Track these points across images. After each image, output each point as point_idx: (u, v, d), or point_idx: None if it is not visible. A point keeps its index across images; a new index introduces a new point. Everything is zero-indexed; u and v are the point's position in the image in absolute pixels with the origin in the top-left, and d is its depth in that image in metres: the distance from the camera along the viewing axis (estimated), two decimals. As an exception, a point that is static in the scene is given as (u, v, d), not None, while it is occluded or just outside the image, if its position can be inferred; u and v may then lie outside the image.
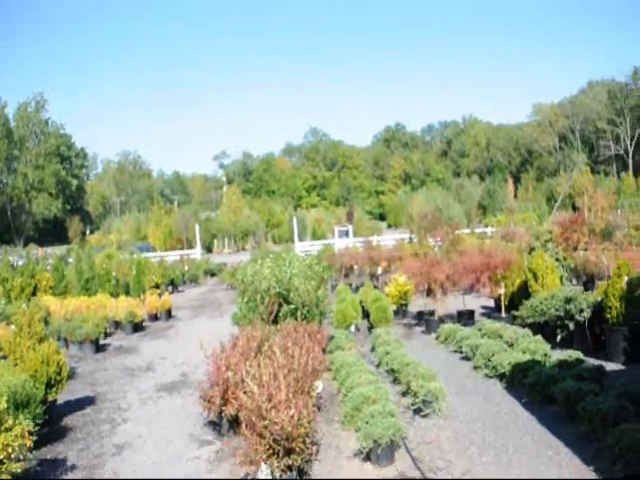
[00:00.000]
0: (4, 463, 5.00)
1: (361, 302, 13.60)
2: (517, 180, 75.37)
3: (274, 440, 4.88)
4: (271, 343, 7.81)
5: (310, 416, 5.28)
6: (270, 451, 4.94)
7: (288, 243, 42.22)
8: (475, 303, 14.31)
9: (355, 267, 22.65)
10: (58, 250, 34.92)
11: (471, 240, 25.65)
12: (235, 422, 6.68)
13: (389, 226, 76.26)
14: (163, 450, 6.49)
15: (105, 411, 8.05)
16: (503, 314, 12.03)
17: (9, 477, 4.99)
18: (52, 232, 76.48)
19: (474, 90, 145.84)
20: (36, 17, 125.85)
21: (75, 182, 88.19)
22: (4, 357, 9.10)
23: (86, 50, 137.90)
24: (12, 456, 5.06)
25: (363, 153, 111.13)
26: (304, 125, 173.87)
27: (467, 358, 9.41)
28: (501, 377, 8.17)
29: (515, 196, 66.05)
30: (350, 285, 20.02)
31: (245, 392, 5.33)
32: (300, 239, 42.93)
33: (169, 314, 15.94)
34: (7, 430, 5.17)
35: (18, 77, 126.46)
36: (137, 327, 14.15)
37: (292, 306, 10.30)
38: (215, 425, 6.98)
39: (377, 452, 5.66)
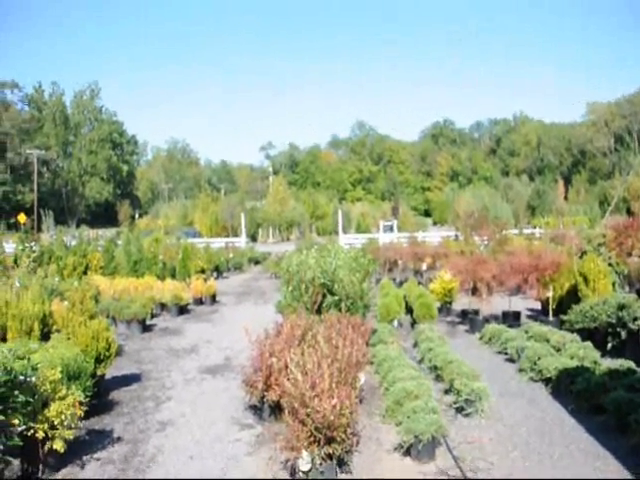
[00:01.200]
0: (57, 429, 5.20)
1: (404, 297, 13.51)
2: (568, 181, 73.34)
3: (316, 428, 4.91)
4: (314, 332, 7.86)
5: (352, 407, 5.28)
6: (311, 439, 4.97)
7: (332, 235, 42.25)
8: (521, 305, 14.02)
9: (399, 262, 22.56)
10: (108, 232, 35.84)
11: (519, 241, 25.14)
12: (276, 408, 6.76)
13: (434, 223, 75.44)
14: (205, 430, 6.61)
15: (150, 389, 8.25)
16: (550, 318, 11.75)
17: (62, 442, 5.20)
18: (103, 215, 78.86)
19: (526, 88, 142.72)
20: (95, 5, 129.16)
21: (126, 168, 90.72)
22: (58, 331, 9.44)
23: (140, 40, 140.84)
24: (65, 423, 5.26)
25: (410, 148, 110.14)
26: (351, 118, 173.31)
27: (512, 360, 9.23)
28: (547, 382, 7.98)
29: (565, 198, 64.20)
30: (393, 280, 19.91)
31: (289, 379, 5.36)
32: (344, 232, 42.89)
33: (213, 299, 16.20)
34: (61, 399, 5.38)
35: (75, 66, 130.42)
36: (182, 310, 14.44)
37: (336, 297, 10.32)
38: (256, 409, 7.06)
39: (418, 448, 5.63)
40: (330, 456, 5.04)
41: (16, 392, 4.88)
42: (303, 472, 4.99)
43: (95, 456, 5.90)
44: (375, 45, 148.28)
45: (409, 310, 13.10)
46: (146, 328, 12.36)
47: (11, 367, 4.86)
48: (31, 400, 5.09)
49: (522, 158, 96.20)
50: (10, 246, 22.29)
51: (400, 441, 5.82)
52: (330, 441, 4.97)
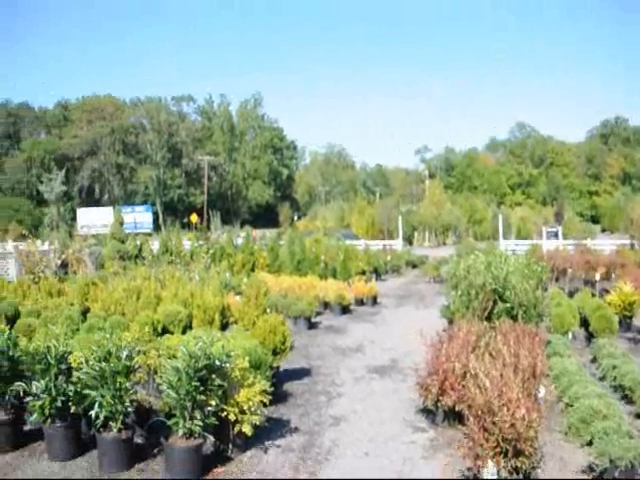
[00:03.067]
0: (246, 413, 5.53)
1: (578, 309, 12.55)
2: None
3: (503, 439, 4.69)
4: (487, 340, 7.57)
5: (538, 420, 4.98)
6: (497, 449, 4.75)
7: (490, 240, 40.62)
8: None
9: (569, 271, 21.05)
10: (269, 233, 37.74)
11: None
12: (451, 413, 6.60)
13: (603, 230, 69.40)
14: (377, 429, 6.64)
15: (321, 384, 8.49)
16: None
17: (250, 427, 5.52)
18: (264, 216, 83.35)
19: None
20: (254, 14, 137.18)
21: (285, 172, 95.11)
22: (234, 322, 10.11)
23: (301, 50, 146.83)
24: (252, 409, 5.58)
25: (575, 149, 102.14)
26: (510, 119, 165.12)
27: None
28: None
29: None
30: (562, 289, 18.60)
31: (473, 385, 5.18)
32: (504, 237, 41.08)
33: (374, 300, 16.32)
34: (249, 386, 5.71)
35: (240, 76, 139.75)
36: (345, 309, 14.72)
37: (507, 305, 9.86)
38: (429, 413, 6.94)
39: (613, 474, 5.14)
40: (517, 470, 4.78)
41: (213, 376, 5.27)
42: (487, 483, 4.79)
43: (276, 443, 6.19)
44: (535, 41, 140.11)
45: (583, 322, 12.16)
46: (312, 325, 12.78)
47: (210, 352, 5.25)
48: (224, 385, 5.47)
49: None
50: (185, 243, 24.30)
51: (589, 463, 5.37)
52: (518, 454, 4.71)
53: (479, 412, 4.95)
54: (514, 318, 9.59)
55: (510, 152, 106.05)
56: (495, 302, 9.96)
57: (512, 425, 4.64)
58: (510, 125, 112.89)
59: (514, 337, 7.42)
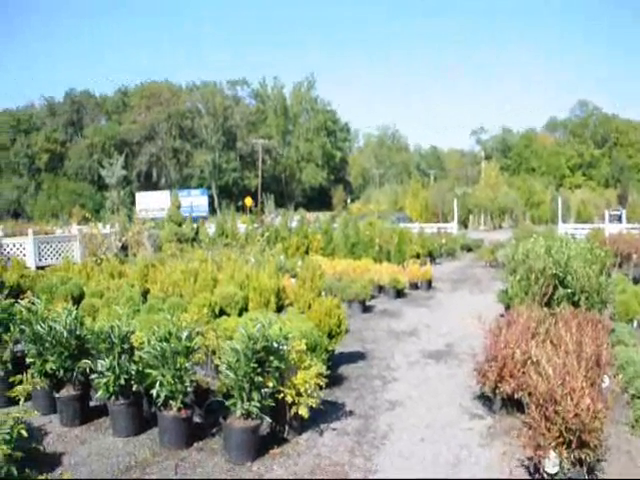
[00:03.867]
0: (302, 396, 5.56)
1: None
2: None
3: (567, 429, 4.54)
4: (547, 327, 7.35)
5: (603, 411, 4.80)
6: (560, 439, 4.61)
7: (548, 224, 39.45)
8: None
9: (633, 256, 20.18)
10: (323, 216, 37.79)
11: None
12: (509, 401, 6.46)
13: (671, 213, 66.13)
14: (434, 415, 6.57)
15: (375, 368, 8.47)
16: None
17: (306, 409, 5.56)
18: (317, 199, 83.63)
19: None
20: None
21: (339, 154, 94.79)
22: (290, 304, 10.18)
23: (349, 31, 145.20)
24: (309, 392, 5.61)
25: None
26: (571, 98, 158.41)
27: None
28: None
29: None
30: (626, 275, 17.87)
31: (539, 374, 5.03)
32: (563, 221, 39.76)
33: (429, 284, 16.12)
34: (306, 369, 5.74)
35: (292, 59, 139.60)
36: (399, 293, 14.61)
37: (569, 290, 9.55)
38: (486, 400, 6.82)
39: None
40: (580, 462, 4.63)
41: (271, 358, 5.32)
42: (548, 474, 4.66)
43: (331, 426, 6.22)
44: (597, 15, 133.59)
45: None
46: (366, 309, 12.74)
47: (268, 334, 5.30)
48: (282, 367, 5.52)
49: None
50: (240, 226, 24.60)
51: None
52: (582, 445, 4.56)
53: (541, 400, 4.81)
54: (575, 304, 9.28)
55: (571, 132, 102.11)
56: (555, 287, 9.67)
57: (576, 415, 4.49)
58: (571, 103, 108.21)
59: (576, 324, 7.16)
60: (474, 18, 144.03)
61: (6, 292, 7.55)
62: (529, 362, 6.03)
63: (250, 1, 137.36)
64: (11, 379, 6.45)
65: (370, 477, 5.13)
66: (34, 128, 79.31)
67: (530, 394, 5.13)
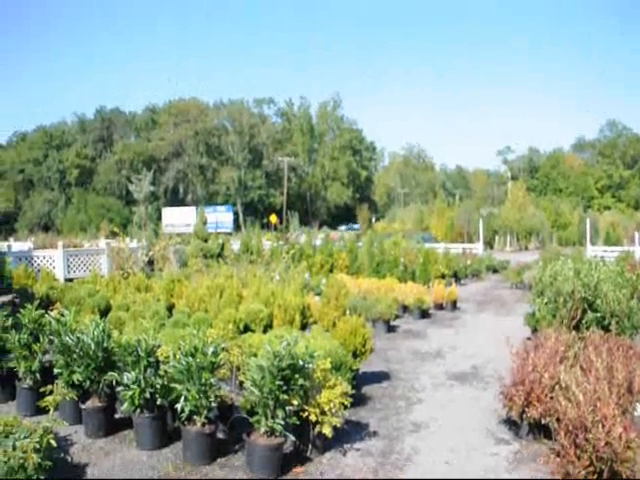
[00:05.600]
0: (327, 415, 5.53)
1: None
2: None
3: (597, 458, 4.43)
4: (577, 351, 7.21)
5: (637, 440, 4.67)
6: (590, 469, 4.50)
7: (576, 246, 38.85)
8: None
9: (665, 281, 19.75)
10: (347, 234, 37.78)
11: None
12: (536, 426, 6.33)
13: None
14: (458, 438, 6.46)
15: (400, 388, 8.38)
16: None
17: (330, 428, 5.52)
18: (342, 217, 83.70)
19: None
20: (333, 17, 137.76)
21: (364, 173, 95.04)
22: (314, 322, 10.16)
23: (375, 51, 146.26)
24: (333, 411, 5.57)
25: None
26: (600, 118, 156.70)
27: None
28: None
29: None
30: (658, 300, 17.46)
31: (569, 399, 4.93)
32: (592, 243, 39.16)
33: (454, 305, 15.97)
34: (330, 387, 5.71)
35: (318, 78, 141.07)
36: (424, 313, 14.50)
37: (598, 314, 9.37)
38: (512, 425, 6.69)
39: None
40: (611, 492, 4.51)
41: (296, 375, 5.31)
42: (577, 503, 4.55)
43: (355, 446, 6.15)
44: (628, 33, 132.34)
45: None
46: (390, 328, 12.66)
47: (294, 352, 5.30)
48: (307, 385, 5.50)
49: None
50: (265, 243, 24.72)
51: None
52: (614, 475, 4.44)
53: (570, 427, 4.71)
54: (605, 329, 9.09)
55: (599, 152, 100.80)
56: (584, 311, 9.50)
57: (608, 443, 4.38)
58: (600, 124, 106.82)
59: (606, 349, 7.01)
60: (502, 38, 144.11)
61: (36, 303, 7.65)
62: (557, 387, 5.91)
63: (278, 22, 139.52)
64: (42, 389, 6.55)
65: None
66: (65, 144, 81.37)
67: (559, 420, 5.03)
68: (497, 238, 52.98)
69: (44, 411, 6.13)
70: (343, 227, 60.05)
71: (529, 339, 9.61)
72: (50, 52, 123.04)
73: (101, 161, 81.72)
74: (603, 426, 4.48)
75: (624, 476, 4.44)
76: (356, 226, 62.81)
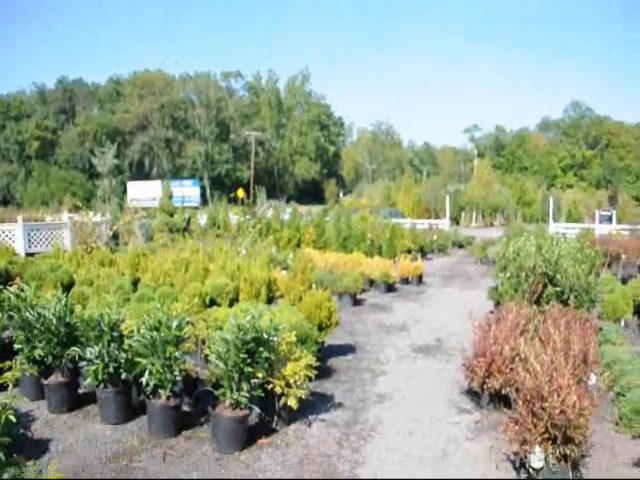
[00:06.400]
0: (292, 387, 5.58)
1: (631, 296, 12.13)
2: None
3: (552, 425, 4.58)
4: (536, 324, 7.42)
5: (589, 408, 4.84)
6: (546, 435, 4.65)
7: (539, 223, 39.67)
8: None
9: (622, 256, 20.37)
10: (314, 209, 37.74)
11: None
12: (496, 396, 6.51)
13: (660, 215, 66.63)
14: (422, 409, 6.61)
15: (365, 361, 8.50)
16: None
17: (295, 400, 5.58)
18: (310, 192, 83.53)
19: None
20: None
21: (332, 148, 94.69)
22: (280, 296, 10.19)
23: (343, 26, 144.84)
24: (298, 383, 5.63)
25: (633, 131, 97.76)
26: (564, 98, 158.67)
27: None
28: None
29: None
30: (615, 275, 18.03)
31: (527, 370, 5.06)
32: (554, 220, 40.05)
33: (420, 279, 16.19)
34: (296, 360, 5.75)
35: (287, 51, 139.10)
36: (390, 288, 14.66)
37: (558, 289, 9.62)
38: (473, 395, 6.87)
39: (667, 466, 4.98)
40: (565, 457, 4.68)
41: (261, 348, 5.33)
42: (533, 469, 4.71)
43: (320, 417, 6.25)
44: (591, 16, 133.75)
45: (636, 310, 11.77)
46: (357, 302, 12.78)
47: (258, 325, 5.31)
48: (271, 357, 5.53)
49: None
50: (232, 217, 24.53)
51: (642, 455, 5.21)
52: (567, 441, 4.60)
53: (528, 397, 4.85)
54: (564, 303, 9.35)
55: (563, 132, 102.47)
56: (545, 286, 9.74)
57: (562, 412, 4.53)
58: (564, 104, 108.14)
59: (565, 322, 7.21)
60: (469, 16, 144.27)
61: (-6, 278, 7.46)
62: (517, 358, 6.09)
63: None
64: (0, 365, 6.42)
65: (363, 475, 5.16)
66: (25, 115, 78.60)
67: (517, 390, 5.17)
68: (463, 214, 53.69)
69: (3, 388, 6.02)
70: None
71: (492, 312, 9.82)
72: (6, 18, 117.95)
73: (63, 133, 79.31)
74: (558, 395, 4.63)
75: (576, 441, 4.61)
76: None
